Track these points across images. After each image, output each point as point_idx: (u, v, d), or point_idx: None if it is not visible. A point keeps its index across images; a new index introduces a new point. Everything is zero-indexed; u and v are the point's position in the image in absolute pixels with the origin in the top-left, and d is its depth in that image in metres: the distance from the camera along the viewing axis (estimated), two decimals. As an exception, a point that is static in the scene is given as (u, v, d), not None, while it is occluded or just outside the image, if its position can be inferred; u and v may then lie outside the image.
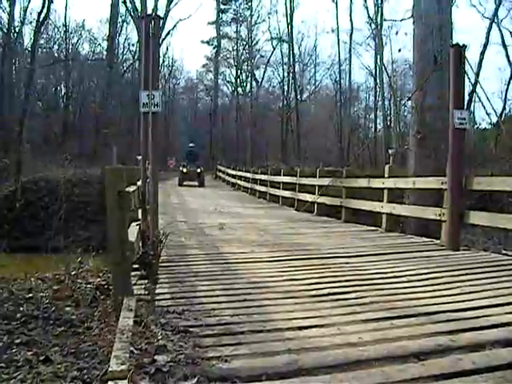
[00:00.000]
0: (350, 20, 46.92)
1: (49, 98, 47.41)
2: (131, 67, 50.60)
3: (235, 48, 59.49)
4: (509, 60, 31.63)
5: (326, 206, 14.84)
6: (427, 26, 12.18)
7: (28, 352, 3.86)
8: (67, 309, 4.98)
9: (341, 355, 3.48)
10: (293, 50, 51.88)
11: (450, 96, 8.63)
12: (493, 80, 40.41)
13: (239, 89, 61.51)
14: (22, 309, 5.11)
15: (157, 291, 5.25)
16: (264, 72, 59.70)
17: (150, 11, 38.62)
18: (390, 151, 15.94)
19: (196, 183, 33.57)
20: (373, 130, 52.62)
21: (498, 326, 4.06)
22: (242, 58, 58.85)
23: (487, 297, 5.04)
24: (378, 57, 43.09)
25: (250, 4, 57.01)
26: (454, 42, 9.10)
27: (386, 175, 10.88)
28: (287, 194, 19.34)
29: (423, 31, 12.25)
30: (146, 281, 5.52)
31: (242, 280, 5.92)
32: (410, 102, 15.14)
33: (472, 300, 4.92)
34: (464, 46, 8.46)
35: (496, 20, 32.57)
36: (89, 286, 5.80)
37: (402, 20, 38.79)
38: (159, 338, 3.73)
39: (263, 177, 24.70)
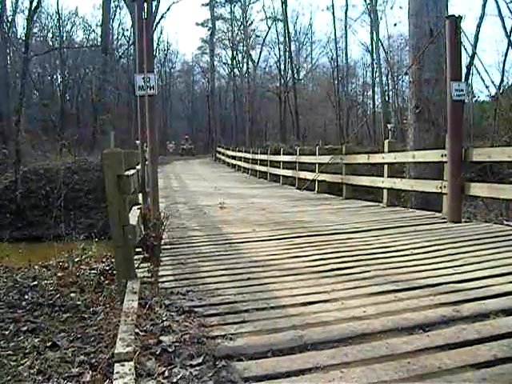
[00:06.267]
0: (345, -4, 46.62)
1: (45, 86, 47.28)
2: (126, 52, 50.40)
3: (230, 29, 59.24)
4: (506, 31, 31.40)
5: (327, 184, 14.86)
6: (422, -1, 12.09)
7: (35, 339, 3.89)
8: (72, 295, 5.01)
9: (346, 329, 3.50)
10: (288, 29, 51.58)
11: (447, 68, 8.60)
12: (490, 52, 40.21)
13: (236, 70, 61.36)
14: (27, 297, 5.15)
15: (160, 273, 5.27)
16: (260, 52, 59.65)
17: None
18: (389, 126, 15.95)
19: None
20: (371, 106, 52.51)
21: (501, 296, 4.08)
22: (238, 38, 58.57)
23: (490, 267, 5.05)
24: (374, 32, 42.83)
25: (243, -16, 56.59)
26: (450, 14, 9.03)
27: (386, 150, 10.86)
28: (287, 173, 19.34)
29: (418, 4, 12.13)
30: (149, 263, 5.53)
31: (244, 259, 5.94)
32: (407, 77, 15.04)
33: (475, 271, 4.94)
34: (459, 18, 8.40)
35: (492, -10, 32.31)
36: (93, 271, 5.82)
37: (396, -6, 38.59)
38: (164, 319, 3.74)
39: (263, 157, 24.70)
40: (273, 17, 55.31)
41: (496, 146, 16.00)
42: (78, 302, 4.69)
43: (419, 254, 5.86)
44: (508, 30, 30.48)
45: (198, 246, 6.90)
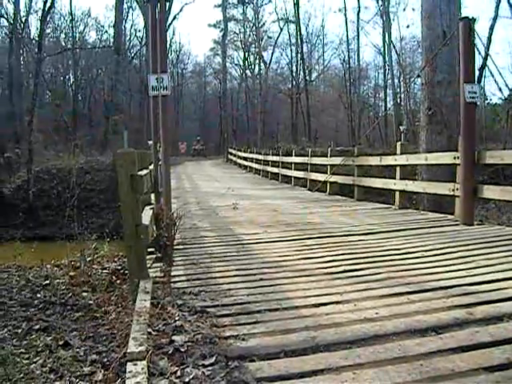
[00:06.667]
0: (358, -3, 46.59)
1: (58, 87, 47.54)
2: (139, 53, 50.64)
3: (242, 30, 59.30)
4: (518, 33, 31.22)
5: (339, 185, 14.82)
6: (435, 1, 12.05)
7: (47, 337, 3.91)
8: (84, 294, 5.04)
9: (358, 331, 3.49)
10: (300, 31, 51.62)
11: (461, 70, 8.56)
12: (502, 54, 39.96)
13: (247, 71, 61.43)
14: (39, 295, 5.18)
15: (172, 273, 5.28)
16: (272, 53, 59.59)
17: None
18: (401, 128, 15.83)
19: None
20: (383, 108, 52.43)
21: (514, 299, 4.05)
22: (250, 40, 58.60)
23: (503, 270, 5.01)
24: (386, 34, 42.76)
25: (255, -15, 56.60)
26: (463, 16, 9.00)
27: (398, 152, 10.82)
28: (299, 174, 19.34)
29: (431, 6, 12.10)
30: (162, 263, 5.55)
31: (256, 260, 5.94)
32: (419, 79, 15.01)
33: (487, 273, 4.90)
34: (473, 19, 8.36)
35: (505, -7, 32.05)
36: (105, 271, 5.86)
37: (409, -5, 38.44)
38: (176, 318, 3.75)
39: (275, 158, 24.71)
40: (285, 18, 55.38)
41: (509, 148, 15.95)
42: (90, 302, 4.72)
43: (431, 256, 5.84)
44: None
45: (210, 247, 6.90)
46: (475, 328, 3.47)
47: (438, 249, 6.21)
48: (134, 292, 4.30)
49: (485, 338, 3.28)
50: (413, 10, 43.86)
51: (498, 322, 3.57)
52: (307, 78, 52.34)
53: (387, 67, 45.35)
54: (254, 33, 57.21)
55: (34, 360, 3.49)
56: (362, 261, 5.69)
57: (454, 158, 8.54)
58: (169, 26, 47.52)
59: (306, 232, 7.86)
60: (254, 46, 58.39)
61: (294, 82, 54.21)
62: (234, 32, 60.30)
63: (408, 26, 68.92)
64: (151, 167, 7.51)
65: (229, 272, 5.38)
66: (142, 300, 3.96)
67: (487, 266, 5.26)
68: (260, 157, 28.81)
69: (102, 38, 50.74)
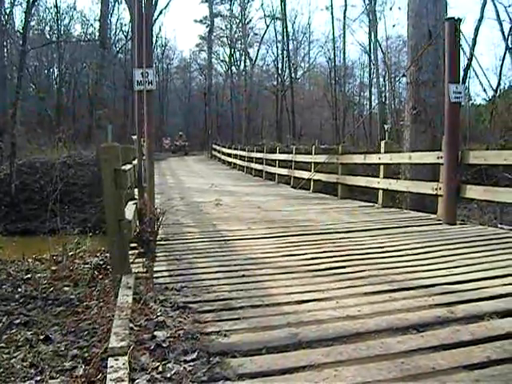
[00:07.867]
0: (344, -4, 46.63)
1: (42, 80, 47.21)
2: (124, 47, 50.37)
3: (228, 26, 59.16)
4: (503, 35, 31.39)
5: (322, 183, 14.85)
6: (422, 0, 12.09)
7: (28, 332, 3.87)
8: (66, 289, 5.00)
9: (340, 328, 3.50)
10: (286, 28, 51.61)
11: (446, 70, 8.61)
12: (487, 55, 40.20)
13: (233, 67, 61.36)
14: (20, 290, 5.14)
15: (155, 269, 5.26)
16: (258, 50, 59.53)
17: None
18: (385, 126, 15.85)
19: None
20: (368, 107, 52.56)
21: (495, 298, 4.08)
22: (236, 36, 58.53)
23: (484, 269, 5.05)
24: (372, 33, 42.86)
25: (242, -19, 56.51)
26: (449, 16, 9.04)
27: (382, 150, 10.85)
28: (283, 171, 19.34)
29: (418, 5, 12.15)
30: (144, 259, 5.53)
31: (239, 256, 5.93)
32: (404, 78, 15.06)
33: (469, 272, 4.94)
34: (459, 20, 8.40)
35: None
36: (87, 265, 5.82)
37: (396, -5, 38.56)
38: (158, 314, 3.74)
39: (259, 155, 24.70)
40: (271, 15, 55.28)
41: (492, 148, 16.05)
42: (72, 296, 4.68)
43: (414, 254, 5.86)
44: (506, 34, 30.55)
45: (193, 243, 6.90)
46: (456, 326, 3.49)
47: (420, 247, 6.24)
48: (116, 287, 4.28)
49: (465, 337, 3.30)
50: (399, 9, 44.25)
51: (479, 321, 3.59)
52: (292, 75, 52.37)
53: (373, 66, 45.54)
54: (240, 29, 57.11)
55: (14, 355, 3.46)
56: (344, 258, 5.70)
57: (438, 157, 8.59)
58: (155, 21, 47.31)
59: (289, 229, 7.88)
60: (240, 42, 58.34)
61: (280, 79, 54.27)
62: (220, 28, 60.17)
63: (394, 26, 69.33)
64: (135, 162, 7.48)
65: (211, 268, 5.37)
66: (124, 295, 3.95)
67: (469, 265, 5.29)
68: (244, 153, 28.79)
69: (87, 31, 50.40)
